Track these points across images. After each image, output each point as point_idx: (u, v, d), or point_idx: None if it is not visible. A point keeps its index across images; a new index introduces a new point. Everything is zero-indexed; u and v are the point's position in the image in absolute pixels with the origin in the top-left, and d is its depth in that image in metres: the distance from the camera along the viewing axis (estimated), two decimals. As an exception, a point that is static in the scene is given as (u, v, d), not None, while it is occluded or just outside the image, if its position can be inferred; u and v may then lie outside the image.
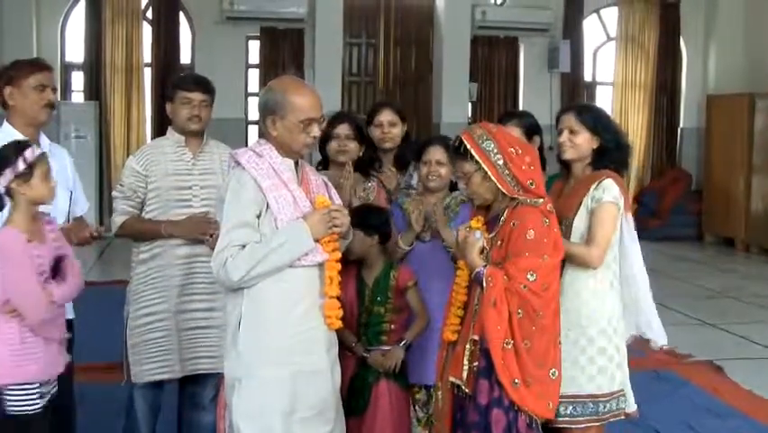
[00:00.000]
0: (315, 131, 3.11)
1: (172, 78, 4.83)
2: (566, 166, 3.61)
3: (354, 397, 3.69)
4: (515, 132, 3.86)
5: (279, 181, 3.06)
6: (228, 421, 3.15)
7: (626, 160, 3.59)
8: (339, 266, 3.13)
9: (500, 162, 3.13)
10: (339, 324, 3.15)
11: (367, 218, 3.73)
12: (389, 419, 3.70)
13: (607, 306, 3.42)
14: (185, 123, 3.96)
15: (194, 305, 3.88)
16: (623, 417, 3.47)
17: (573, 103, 4.91)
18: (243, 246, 2.96)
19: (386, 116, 4.19)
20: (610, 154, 3.49)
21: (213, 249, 3.13)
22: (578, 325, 3.37)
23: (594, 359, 3.37)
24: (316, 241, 3.03)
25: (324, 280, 3.10)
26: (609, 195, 3.39)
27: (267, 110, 3.10)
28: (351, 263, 3.74)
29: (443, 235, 3.80)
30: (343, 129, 4.10)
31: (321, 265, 3.10)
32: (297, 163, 3.18)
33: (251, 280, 2.98)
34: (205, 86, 4.01)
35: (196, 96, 3.95)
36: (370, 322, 3.78)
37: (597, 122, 3.50)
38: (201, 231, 3.81)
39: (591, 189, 3.42)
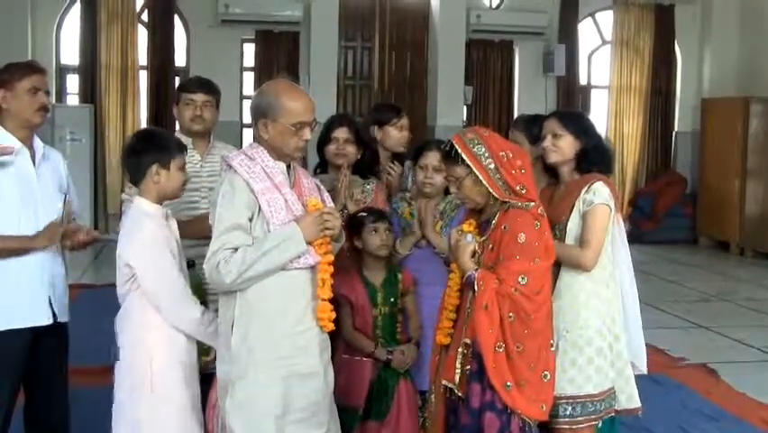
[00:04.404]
0: (307, 134, 3.11)
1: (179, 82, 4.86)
2: (553, 174, 3.65)
3: (377, 401, 3.70)
4: (519, 136, 3.90)
5: (272, 184, 3.06)
6: (219, 422, 3.15)
7: (608, 163, 3.64)
8: (331, 269, 3.12)
9: (491, 166, 3.13)
10: (331, 326, 3.14)
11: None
12: (408, 419, 3.74)
13: (603, 305, 3.44)
14: (188, 123, 4.04)
15: None
16: (613, 414, 3.48)
17: (557, 110, 5.00)
18: (236, 249, 2.96)
19: (342, 133, 4.10)
20: (592, 157, 3.53)
21: None
22: (575, 326, 3.39)
23: (592, 359, 3.38)
24: (309, 244, 3.04)
25: (316, 283, 3.10)
26: (600, 197, 3.42)
27: (259, 113, 3.10)
28: (352, 268, 3.75)
29: (430, 239, 3.81)
30: (342, 133, 4.09)
31: (313, 268, 3.10)
32: (289, 166, 3.19)
33: (244, 282, 2.98)
34: (207, 87, 4.09)
35: (199, 98, 4.03)
36: (386, 324, 3.80)
37: (579, 126, 3.56)
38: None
39: (582, 193, 3.45)
